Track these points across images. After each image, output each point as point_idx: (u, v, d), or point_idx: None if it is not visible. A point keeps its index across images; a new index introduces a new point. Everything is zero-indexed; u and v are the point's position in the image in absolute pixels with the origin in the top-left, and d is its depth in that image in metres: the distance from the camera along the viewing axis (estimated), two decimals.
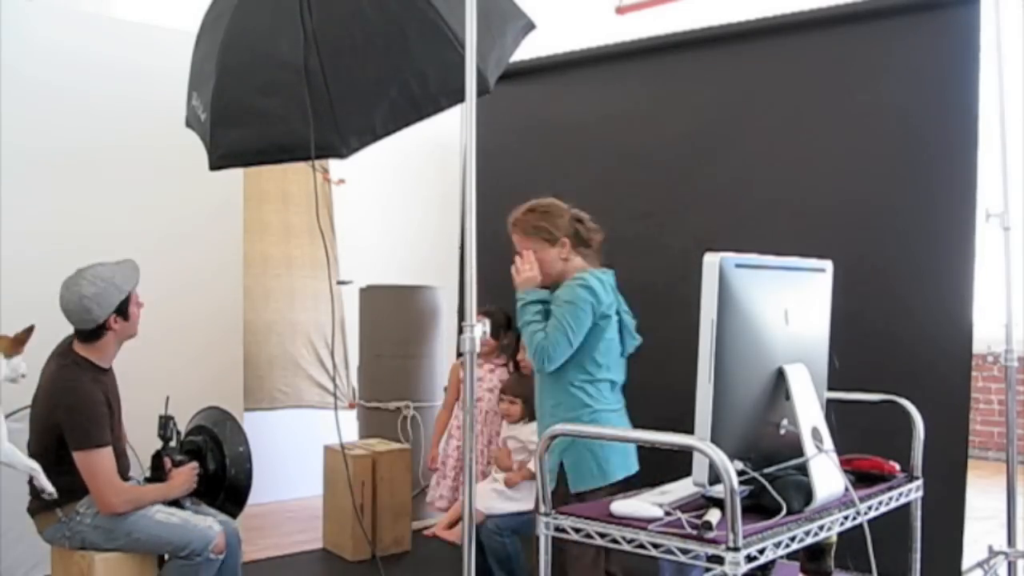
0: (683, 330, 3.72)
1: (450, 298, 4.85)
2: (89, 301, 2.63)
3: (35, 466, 2.55)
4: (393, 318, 4.81)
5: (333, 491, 4.24)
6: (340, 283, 4.84)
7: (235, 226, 4.22)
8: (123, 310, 2.72)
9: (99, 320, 2.67)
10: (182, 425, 3.01)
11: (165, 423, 2.87)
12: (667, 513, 1.74)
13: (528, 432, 3.52)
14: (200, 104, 3.07)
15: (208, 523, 2.72)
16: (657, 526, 1.68)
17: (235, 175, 3.95)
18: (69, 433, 2.57)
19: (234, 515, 2.95)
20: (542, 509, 1.83)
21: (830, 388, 2.19)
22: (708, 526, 1.61)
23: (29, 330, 2.55)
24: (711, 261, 1.74)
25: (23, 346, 2.54)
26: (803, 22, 3.63)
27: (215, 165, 3.08)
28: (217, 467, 2.94)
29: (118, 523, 2.63)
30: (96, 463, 2.58)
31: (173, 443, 2.88)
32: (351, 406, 5.12)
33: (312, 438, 4.51)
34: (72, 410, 2.58)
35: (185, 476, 2.81)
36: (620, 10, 4.72)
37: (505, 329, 3.84)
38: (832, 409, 2.69)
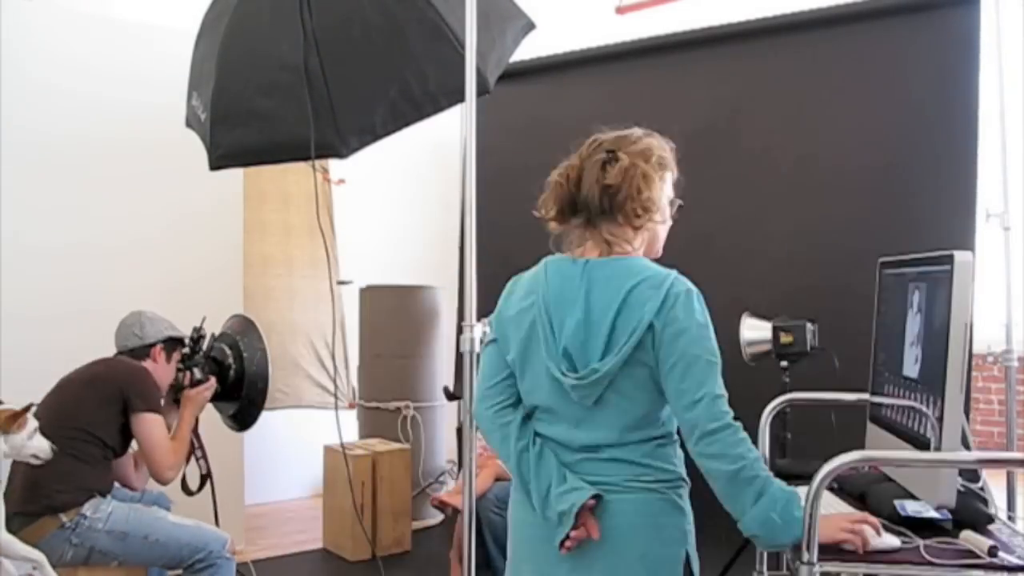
0: None
1: (450, 298, 4.85)
2: (145, 318, 2.84)
3: (38, 557, 2.32)
4: (393, 318, 4.81)
5: (333, 491, 4.24)
6: (340, 283, 4.85)
7: (235, 226, 4.22)
8: (170, 350, 2.86)
9: (146, 339, 2.80)
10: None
11: (197, 334, 2.98)
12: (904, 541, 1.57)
13: None
14: (200, 104, 3.06)
15: (213, 527, 2.74)
16: (933, 554, 1.51)
17: (235, 175, 3.95)
18: (135, 396, 2.63)
19: (243, 428, 3.08)
20: (804, 557, 1.47)
21: (830, 388, 2.19)
22: (994, 551, 1.51)
23: (27, 408, 2.33)
24: (965, 260, 1.60)
25: (17, 422, 2.27)
26: (803, 22, 3.64)
27: (215, 165, 3.08)
28: (236, 377, 3.02)
29: (134, 526, 2.58)
30: (157, 428, 2.66)
31: (200, 355, 2.98)
32: (351, 406, 5.12)
33: (312, 438, 4.52)
34: (137, 377, 2.69)
35: (195, 399, 2.90)
36: (620, 10, 4.72)
37: None
38: (832, 409, 2.70)
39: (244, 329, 3.11)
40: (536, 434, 1.69)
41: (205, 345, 3.00)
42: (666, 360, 1.55)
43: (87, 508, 2.55)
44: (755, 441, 1.68)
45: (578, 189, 1.69)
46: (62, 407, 2.62)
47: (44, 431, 2.39)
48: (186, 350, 2.94)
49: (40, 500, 2.51)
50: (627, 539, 1.60)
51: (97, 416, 2.62)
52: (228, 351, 3.05)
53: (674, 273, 1.61)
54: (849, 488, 1.89)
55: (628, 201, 1.65)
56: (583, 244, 1.70)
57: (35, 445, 2.31)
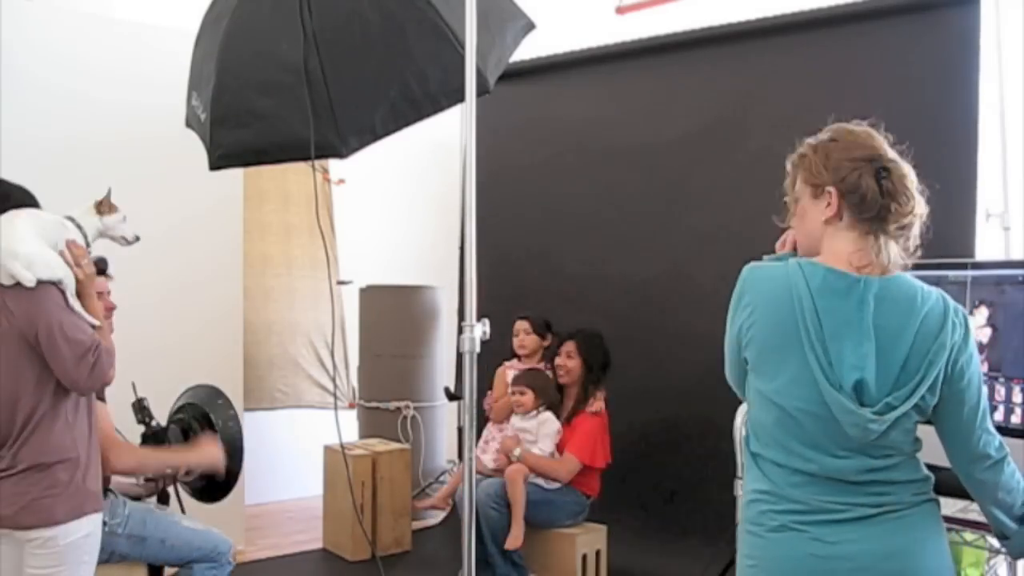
0: (681, 328, 3.74)
1: (450, 298, 4.85)
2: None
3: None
4: (393, 318, 4.81)
5: (333, 491, 4.24)
6: (340, 283, 4.85)
7: (235, 226, 4.22)
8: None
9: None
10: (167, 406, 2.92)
11: (140, 407, 2.78)
12: None
13: (537, 424, 3.51)
14: (200, 104, 3.07)
15: (219, 530, 2.75)
16: None
17: (235, 175, 3.95)
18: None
19: (218, 499, 2.87)
20: None
21: None
22: None
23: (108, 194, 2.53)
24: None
25: (109, 206, 2.53)
26: (803, 22, 3.64)
27: (215, 165, 3.08)
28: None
29: (152, 531, 2.59)
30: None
31: (155, 424, 2.79)
32: (351, 406, 5.13)
33: (312, 438, 4.52)
34: None
35: (212, 445, 2.72)
36: (620, 10, 4.72)
37: (545, 331, 3.83)
38: None
39: (211, 399, 2.94)
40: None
41: (157, 415, 2.81)
42: (959, 398, 1.54)
43: (105, 514, 2.50)
44: None
45: (860, 197, 1.58)
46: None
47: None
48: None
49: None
50: None
51: None
52: (193, 422, 2.83)
53: (952, 301, 1.57)
54: None
55: (905, 216, 1.57)
56: (849, 248, 1.57)
57: (127, 228, 2.52)
